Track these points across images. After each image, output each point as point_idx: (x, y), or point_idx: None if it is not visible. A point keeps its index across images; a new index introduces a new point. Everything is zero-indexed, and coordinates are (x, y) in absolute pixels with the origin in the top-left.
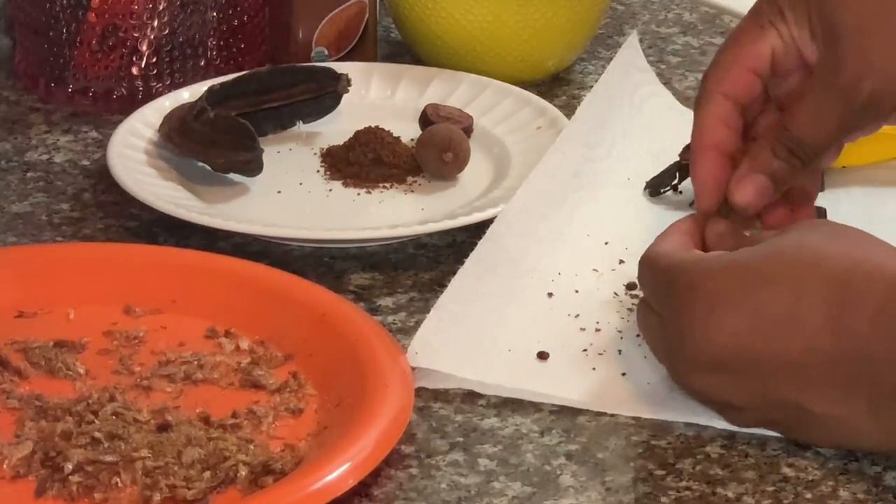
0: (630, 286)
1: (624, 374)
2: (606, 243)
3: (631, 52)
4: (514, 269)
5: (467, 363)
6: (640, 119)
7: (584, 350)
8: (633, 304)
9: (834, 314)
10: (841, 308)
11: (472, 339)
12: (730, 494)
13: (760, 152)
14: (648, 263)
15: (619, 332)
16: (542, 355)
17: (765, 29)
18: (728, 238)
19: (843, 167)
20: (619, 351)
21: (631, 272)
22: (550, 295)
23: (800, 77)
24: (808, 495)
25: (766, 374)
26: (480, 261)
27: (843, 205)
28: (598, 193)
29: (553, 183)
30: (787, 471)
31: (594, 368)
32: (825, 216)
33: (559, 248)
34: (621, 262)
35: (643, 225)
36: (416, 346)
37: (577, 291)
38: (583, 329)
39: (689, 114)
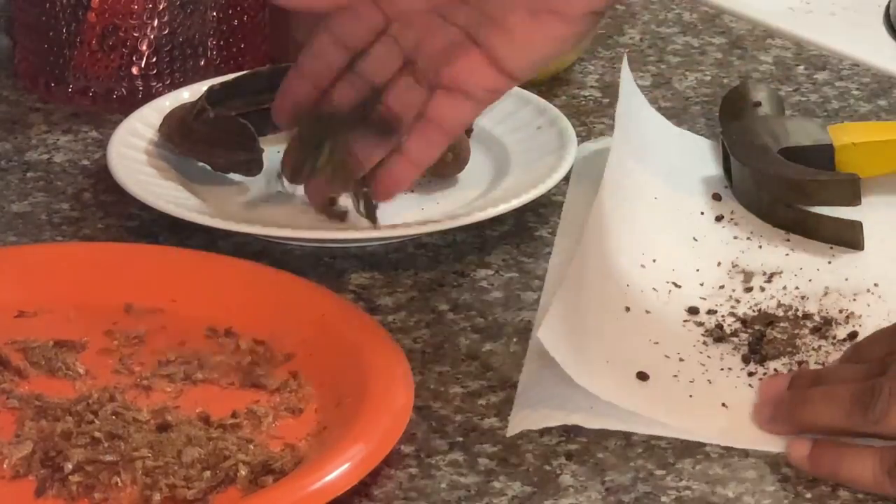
0: (692, 310)
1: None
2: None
3: (628, 87)
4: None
5: (582, 372)
6: (669, 155)
7: (675, 376)
8: (701, 333)
9: None
10: None
11: (580, 349)
12: (730, 494)
13: None
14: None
15: (703, 364)
16: (642, 376)
17: None
18: None
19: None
20: (709, 381)
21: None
22: (627, 309)
23: None
24: (808, 495)
25: None
26: (576, 273)
27: (880, 213)
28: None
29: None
30: (787, 471)
31: (691, 396)
32: (861, 231)
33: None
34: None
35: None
36: (545, 330)
37: (647, 312)
38: (667, 357)
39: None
